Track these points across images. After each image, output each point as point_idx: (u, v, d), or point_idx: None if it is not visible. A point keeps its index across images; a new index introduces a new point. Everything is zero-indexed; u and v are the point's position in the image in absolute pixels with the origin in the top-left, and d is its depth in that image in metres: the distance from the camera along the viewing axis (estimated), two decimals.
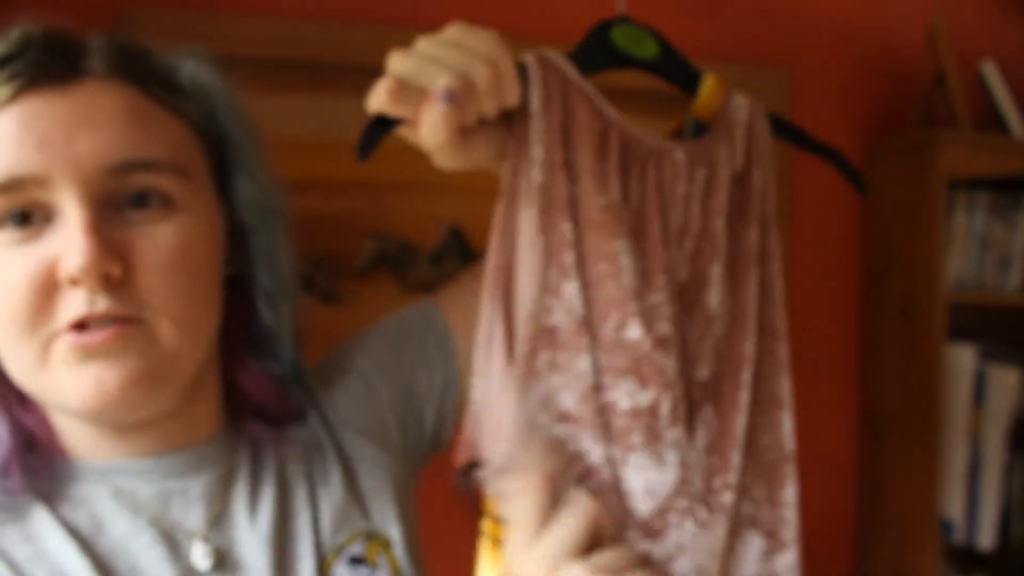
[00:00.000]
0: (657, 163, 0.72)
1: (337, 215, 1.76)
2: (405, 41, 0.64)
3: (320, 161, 1.70)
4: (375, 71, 0.63)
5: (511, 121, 0.68)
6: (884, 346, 2.06)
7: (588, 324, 0.68)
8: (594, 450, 0.68)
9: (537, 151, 0.68)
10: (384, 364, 0.82)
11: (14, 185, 0.61)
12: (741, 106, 0.79)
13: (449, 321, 0.83)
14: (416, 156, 0.69)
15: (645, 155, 0.72)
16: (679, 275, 0.73)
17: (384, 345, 0.83)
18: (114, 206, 0.64)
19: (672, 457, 0.69)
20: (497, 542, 0.70)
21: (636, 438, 0.68)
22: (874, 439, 2.08)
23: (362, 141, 0.62)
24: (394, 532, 0.75)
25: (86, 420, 0.66)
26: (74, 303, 0.61)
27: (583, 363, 0.68)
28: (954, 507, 2.00)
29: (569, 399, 0.68)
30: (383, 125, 0.62)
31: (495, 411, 0.67)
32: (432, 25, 0.67)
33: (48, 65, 0.63)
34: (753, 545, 0.75)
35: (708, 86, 0.77)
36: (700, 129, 0.77)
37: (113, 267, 0.62)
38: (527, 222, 0.67)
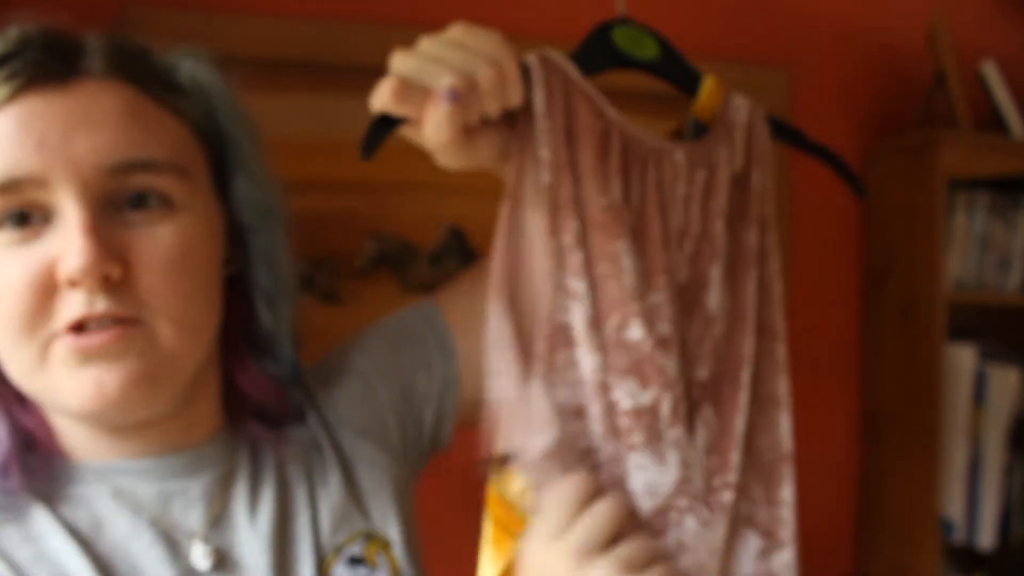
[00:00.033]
0: (657, 164, 0.72)
1: (337, 215, 1.76)
2: (406, 41, 0.63)
3: (320, 161, 1.70)
4: (375, 71, 0.63)
5: (514, 121, 0.68)
6: (884, 346, 2.06)
7: (596, 323, 0.68)
8: (603, 447, 0.68)
9: (544, 152, 0.67)
10: (384, 364, 0.82)
11: (12, 186, 0.61)
12: (741, 107, 0.78)
13: (449, 321, 0.83)
14: (416, 156, 0.69)
15: (645, 156, 0.72)
16: (679, 276, 0.73)
17: (384, 345, 0.83)
18: (113, 206, 0.63)
19: (673, 456, 0.69)
20: (506, 531, 0.70)
21: (637, 437, 0.68)
22: (874, 439, 2.08)
23: (365, 140, 0.62)
24: (393, 532, 0.75)
25: (85, 421, 0.66)
26: (73, 304, 0.61)
27: (593, 361, 0.68)
28: (954, 507, 2.00)
29: (582, 396, 0.68)
30: (386, 124, 0.62)
31: (522, 407, 0.67)
32: (432, 25, 0.67)
33: (47, 65, 0.63)
34: (750, 544, 0.75)
35: (708, 87, 0.77)
36: (700, 130, 0.77)
37: (112, 268, 0.61)
38: (536, 224, 0.67)
